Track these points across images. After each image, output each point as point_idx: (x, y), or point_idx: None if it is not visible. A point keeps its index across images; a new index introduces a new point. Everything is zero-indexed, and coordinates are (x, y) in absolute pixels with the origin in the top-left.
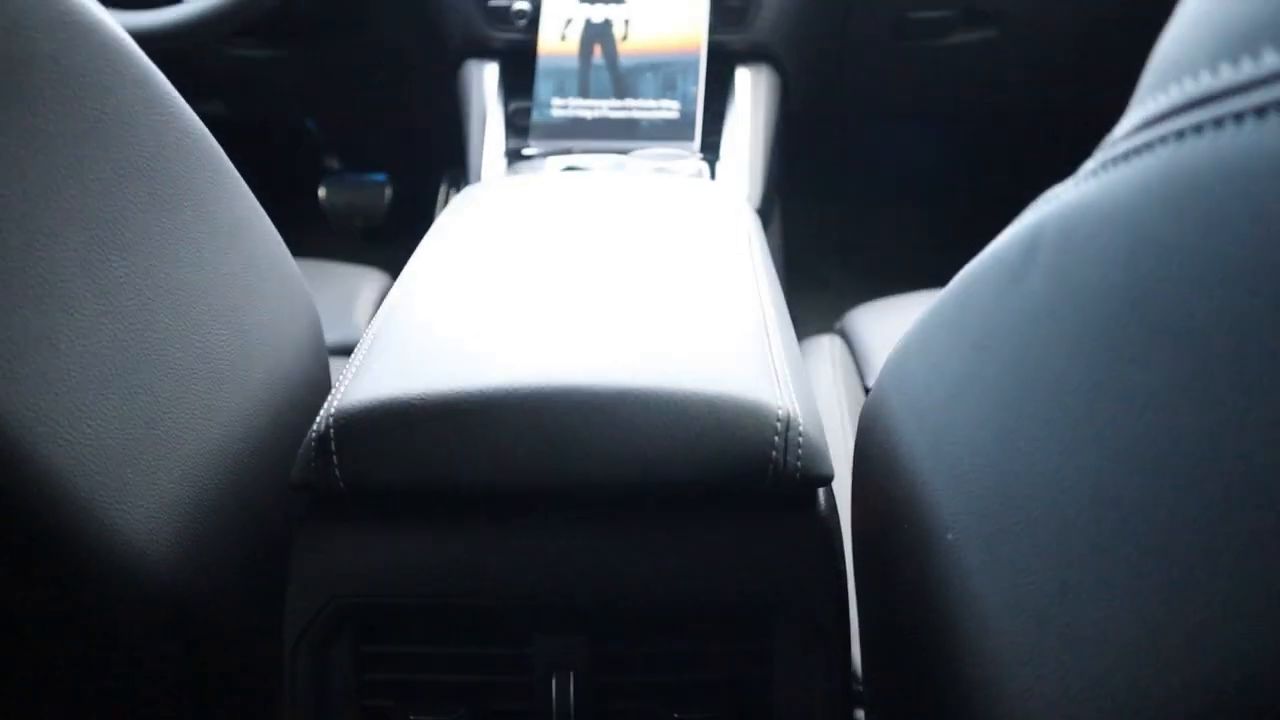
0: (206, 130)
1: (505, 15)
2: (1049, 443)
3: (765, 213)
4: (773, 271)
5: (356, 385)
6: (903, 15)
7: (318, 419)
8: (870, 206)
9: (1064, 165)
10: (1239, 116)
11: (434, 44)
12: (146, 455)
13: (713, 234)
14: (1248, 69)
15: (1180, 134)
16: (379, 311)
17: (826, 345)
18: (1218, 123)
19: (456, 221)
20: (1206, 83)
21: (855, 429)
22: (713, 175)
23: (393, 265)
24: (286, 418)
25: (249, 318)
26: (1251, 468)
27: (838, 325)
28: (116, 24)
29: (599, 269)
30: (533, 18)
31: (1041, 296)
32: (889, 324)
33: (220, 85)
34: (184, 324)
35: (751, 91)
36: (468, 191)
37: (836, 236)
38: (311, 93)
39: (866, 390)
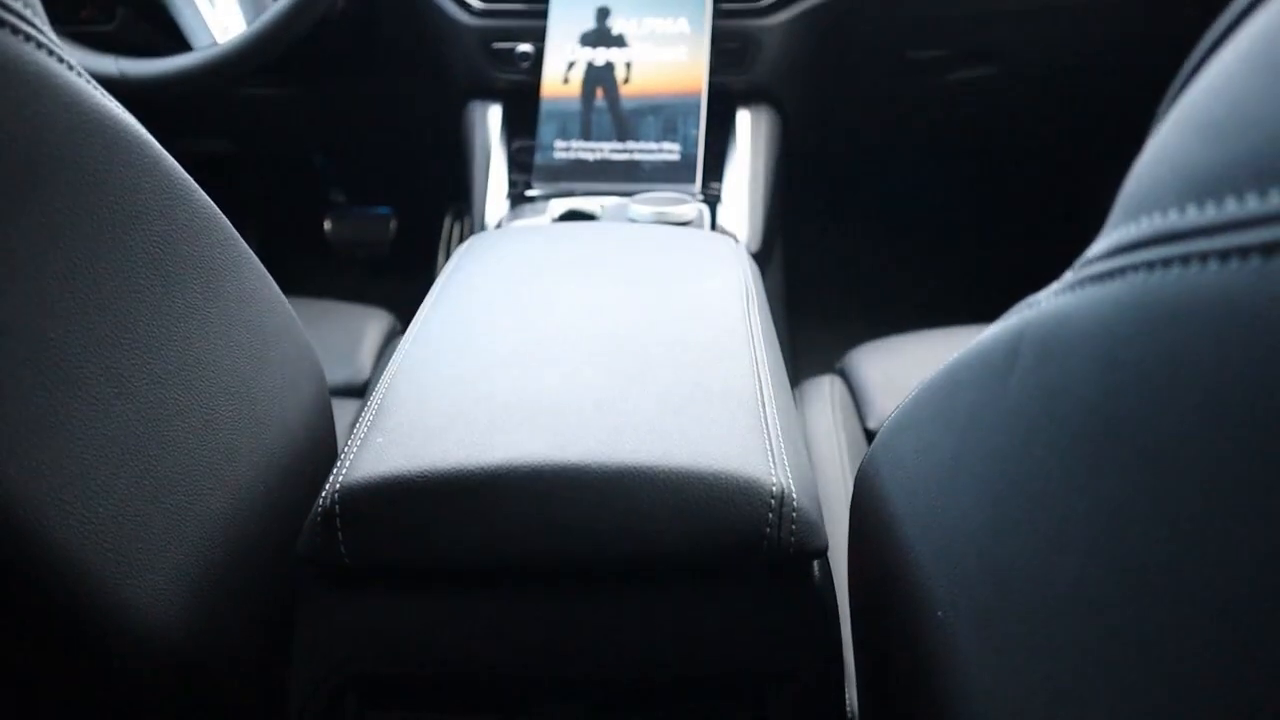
0: (214, 205)
1: (509, 57)
2: (1032, 539)
3: (766, 250)
4: (770, 327)
5: (361, 460)
6: (902, 55)
7: (322, 494)
8: (871, 241)
9: (1063, 200)
10: (1204, 257)
11: (439, 84)
12: (156, 528)
13: (711, 291)
14: (1211, 213)
15: (1151, 265)
16: (383, 376)
17: (826, 386)
18: (1185, 260)
19: (461, 277)
20: (1174, 220)
21: (854, 472)
22: (714, 217)
23: (396, 297)
24: (294, 483)
25: (256, 386)
26: (1216, 586)
27: (838, 365)
28: (129, 115)
29: (598, 332)
30: (536, 60)
31: (1023, 400)
32: (889, 364)
33: (227, 123)
34: (193, 398)
35: (752, 132)
36: (473, 241)
37: (838, 271)
38: (317, 129)
39: (866, 431)
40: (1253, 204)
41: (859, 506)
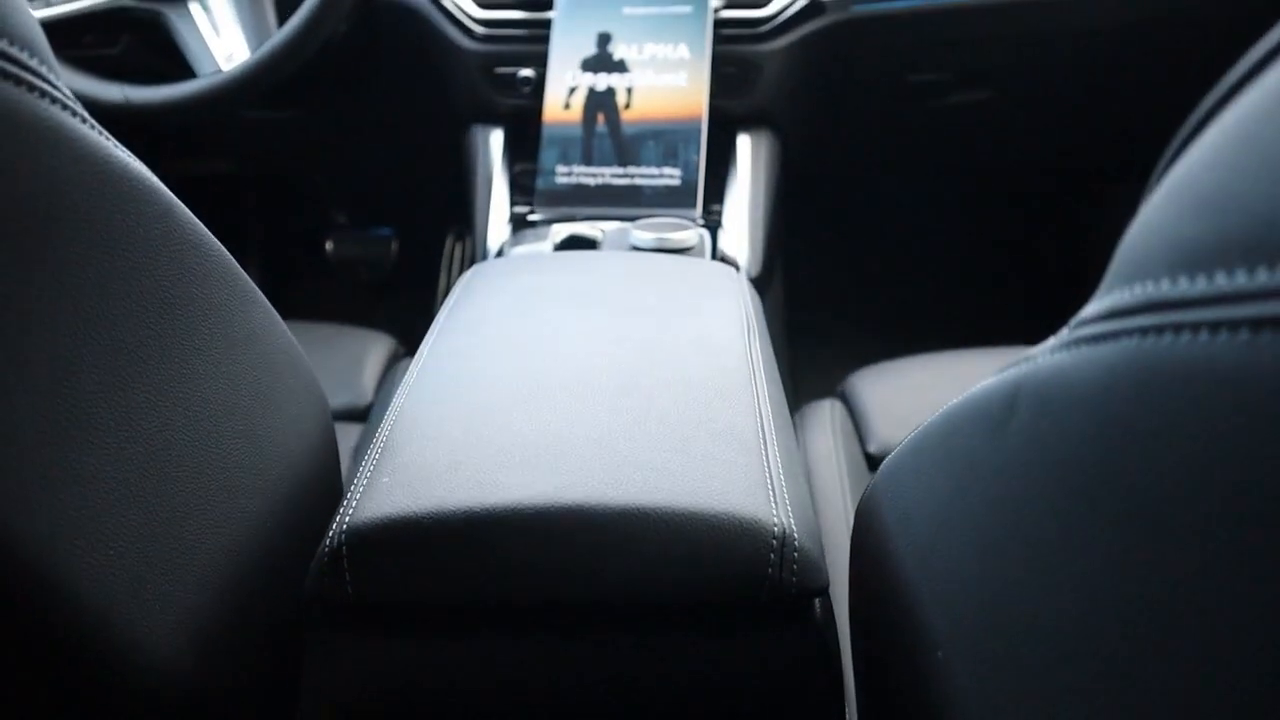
0: (222, 248)
1: (511, 82)
2: (1028, 586)
3: (766, 273)
4: (771, 359)
5: (368, 500)
6: (901, 78)
7: (329, 534)
8: (872, 263)
9: (1062, 223)
10: (1195, 327)
11: (441, 108)
12: (164, 568)
13: (712, 325)
14: (1201, 285)
15: (1144, 331)
16: (387, 413)
17: (827, 410)
18: (1176, 329)
19: (464, 309)
20: (1166, 289)
21: (855, 498)
22: (714, 241)
23: (398, 317)
24: (300, 518)
25: (263, 423)
26: (1207, 637)
27: (839, 389)
28: (141, 165)
29: (601, 368)
30: (537, 85)
31: (1020, 451)
32: (890, 388)
33: (230, 145)
34: (201, 438)
35: (752, 157)
36: (476, 271)
37: (839, 293)
38: (320, 151)
39: (867, 455)
40: (1241, 279)
41: (860, 542)
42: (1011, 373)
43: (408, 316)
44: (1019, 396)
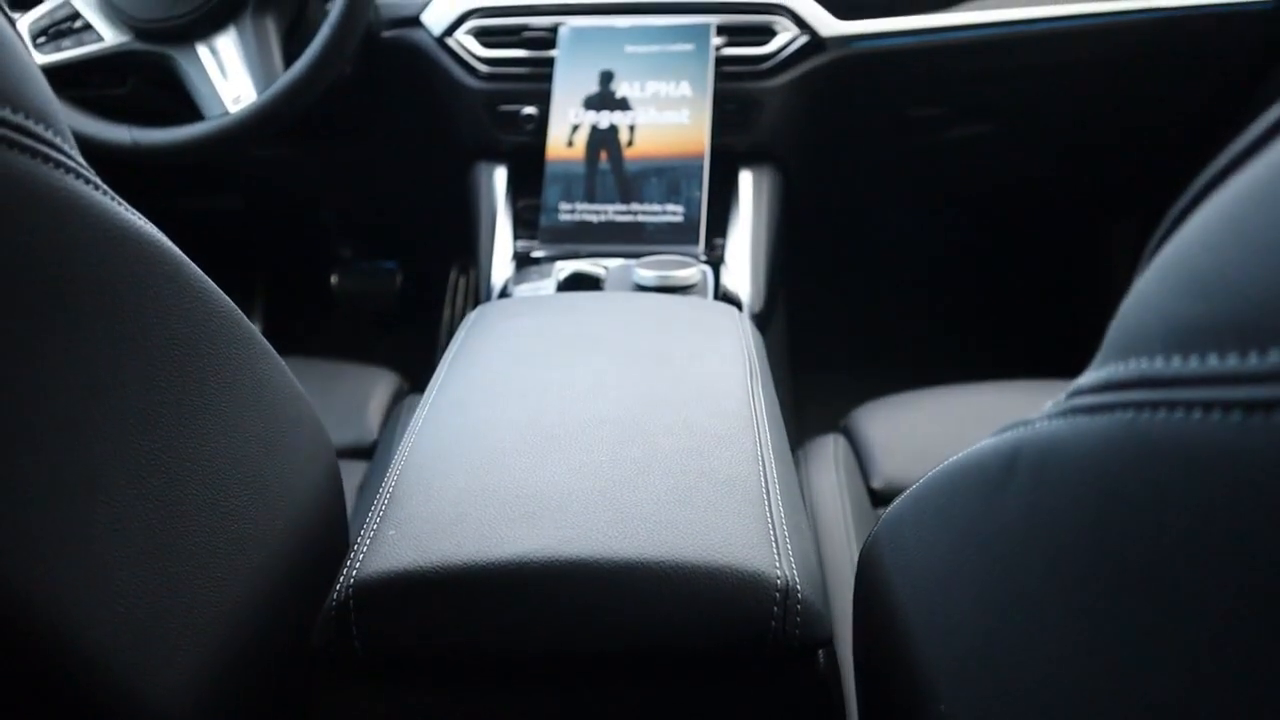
0: (231, 302)
1: (514, 120)
2: (1028, 647)
3: (769, 309)
4: (774, 402)
5: (374, 554)
6: (901, 113)
7: (336, 587)
8: (874, 296)
9: (1063, 254)
10: (1188, 407)
11: (445, 145)
12: (172, 623)
13: (714, 370)
14: (1194, 365)
15: (1139, 406)
16: (393, 463)
17: (830, 446)
18: (1170, 407)
19: (468, 355)
20: (1160, 366)
21: (859, 535)
22: (717, 277)
23: (402, 351)
24: (307, 569)
25: (270, 473)
26: (1204, 704)
27: (842, 424)
28: (152, 227)
29: (604, 417)
30: (540, 122)
31: (1019, 516)
32: (893, 423)
33: (237, 181)
34: (209, 492)
35: (755, 192)
36: (480, 313)
37: (841, 326)
38: (325, 187)
39: (871, 492)
40: (1233, 362)
41: (863, 590)
42: (1010, 435)
43: (412, 350)
44: (1018, 460)
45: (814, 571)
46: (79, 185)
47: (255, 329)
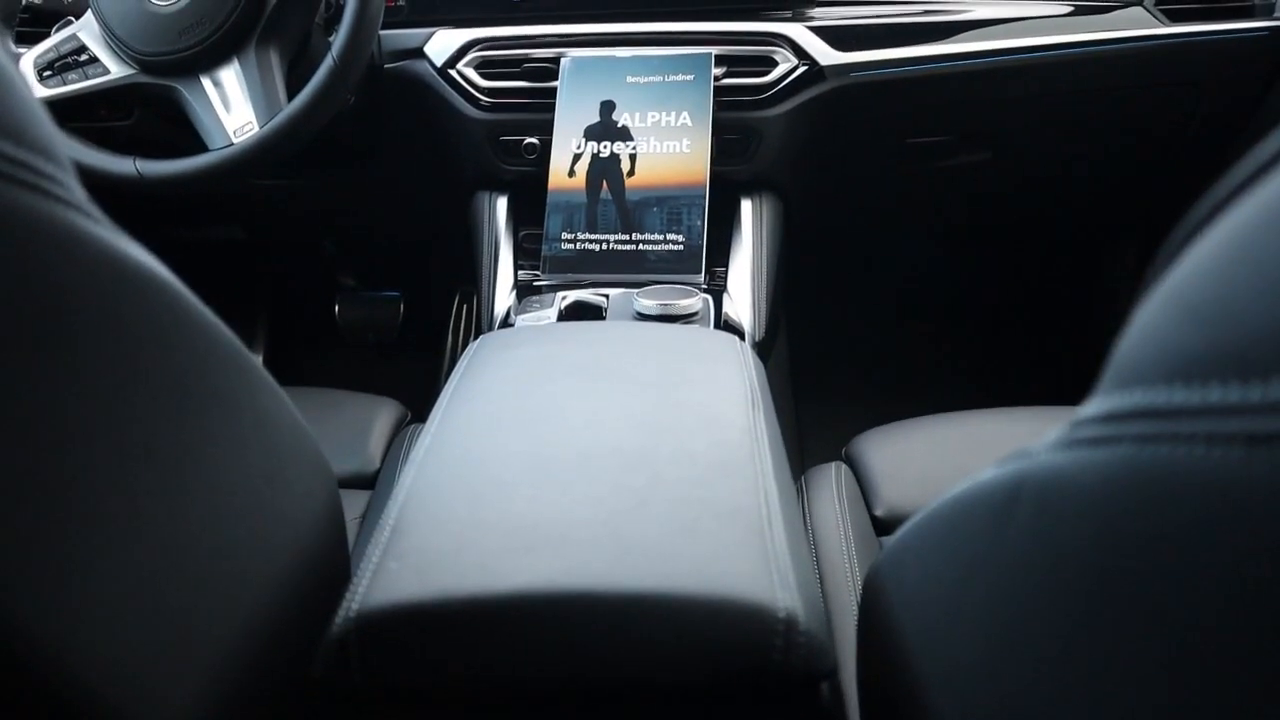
0: (231, 334)
1: (516, 149)
2: (1034, 678)
3: (771, 336)
4: (776, 432)
5: (376, 586)
6: (902, 141)
7: (337, 620)
8: (877, 322)
9: (1064, 280)
10: (1190, 439)
11: (447, 174)
12: (172, 655)
13: (715, 400)
14: (1197, 397)
15: (1141, 439)
16: (394, 494)
17: (832, 474)
18: (1172, 439)
19: (471, 384)
20: (1162, 398)
21: (862, 565)
22: (719, 306)
23: (405, 380)
24: (307, 602)
25: (270, 507)
26: None
27: (844, 451)
28: (153, 260)
29: (606, 447)
30: (542, 152)
31: (1023, 548)
32: (896, 451)
33: (240, 211)
34: (209, 524)
35: (755, 221)
36: (482, 343)
37: (843, 352)
38: (328, 216)
39: (874, 519)
40: (1235, 394)
41: (867, 620)
42: (1013, 467)
43: (415, 379)
44: (1021, 493)
45: (816, 602)
46: (81, 220)
47: (257, 361)
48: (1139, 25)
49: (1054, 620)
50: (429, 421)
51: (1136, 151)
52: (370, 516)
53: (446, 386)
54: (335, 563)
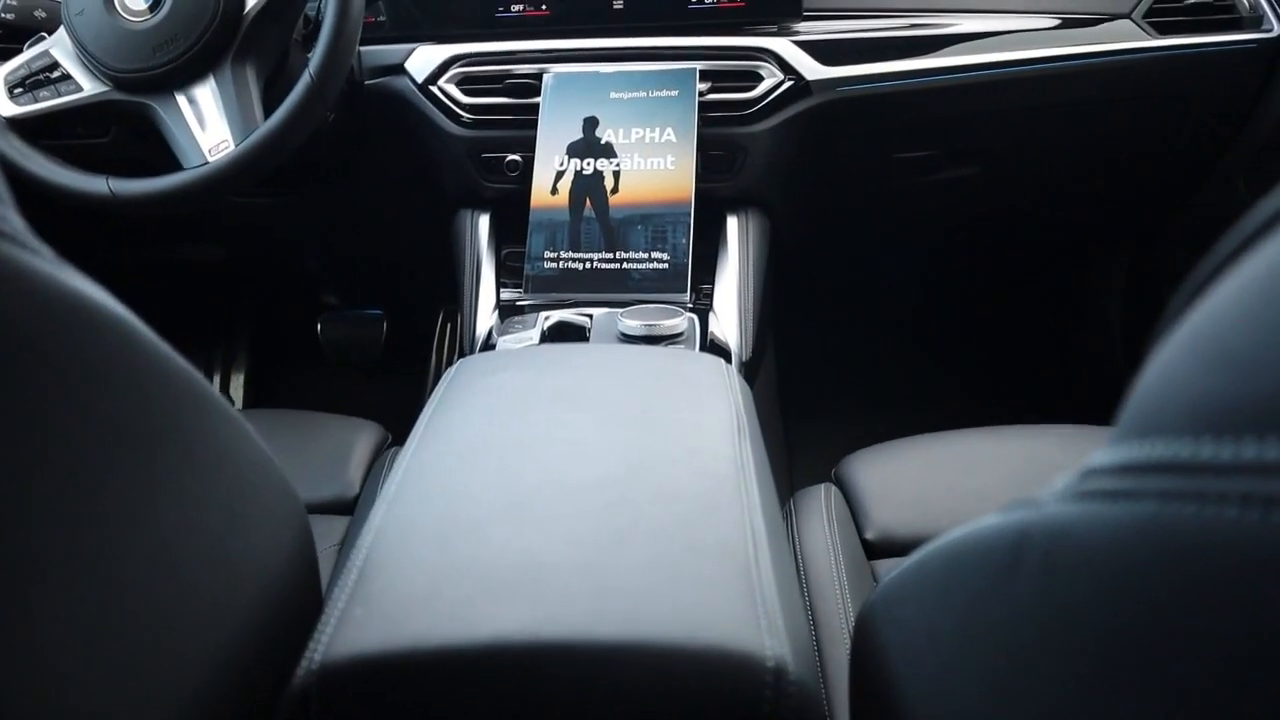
0: (190, 369)
1: (498, 167)
2: None
3: (758, 355)
4: (764, 459)
5: (340, 635)
6: (889, 156)
7: (299, 672)
8: (865, 339)
9: (1053, 296)
10: (1221, 499)
11: (429, 192)
12: (125, 706)
13: (701, 428)
14: (1229, 452)
15: (1164, 496)
16: (363, 532)
17: (822, 497)
18: (1200, 498)
19: (448, 412)
20: (1188, 450)
21: (853, 588)
22: (705, 325)
23: (388, 399)
24: (275, 642)
25: (233, 547)
26: None
27: (834, 472)
28: (101, 294)
29: (586, 481)
30: (524, 169)
31: (1028, 603)
32: (887, 472)
33: (220, 230)
34: (164, 571)
35: (741, 238)
36: (461, 367)
37: (833, 370)
38: (309, 235)
39: (864, 542)
40: (1273, 450)
41: (859, 665)
42: (1017, 516)
43: (398, 399)
44: (1026, 544)
45: (806, 647)
46: (15, 251)
47: (216, 393)
48: (1127, 38)
49: (1058, 677)
50: (402, 453)
51: (1125, 165)
52: (349, 544)
53: (422, 415)
54: (305, 601)
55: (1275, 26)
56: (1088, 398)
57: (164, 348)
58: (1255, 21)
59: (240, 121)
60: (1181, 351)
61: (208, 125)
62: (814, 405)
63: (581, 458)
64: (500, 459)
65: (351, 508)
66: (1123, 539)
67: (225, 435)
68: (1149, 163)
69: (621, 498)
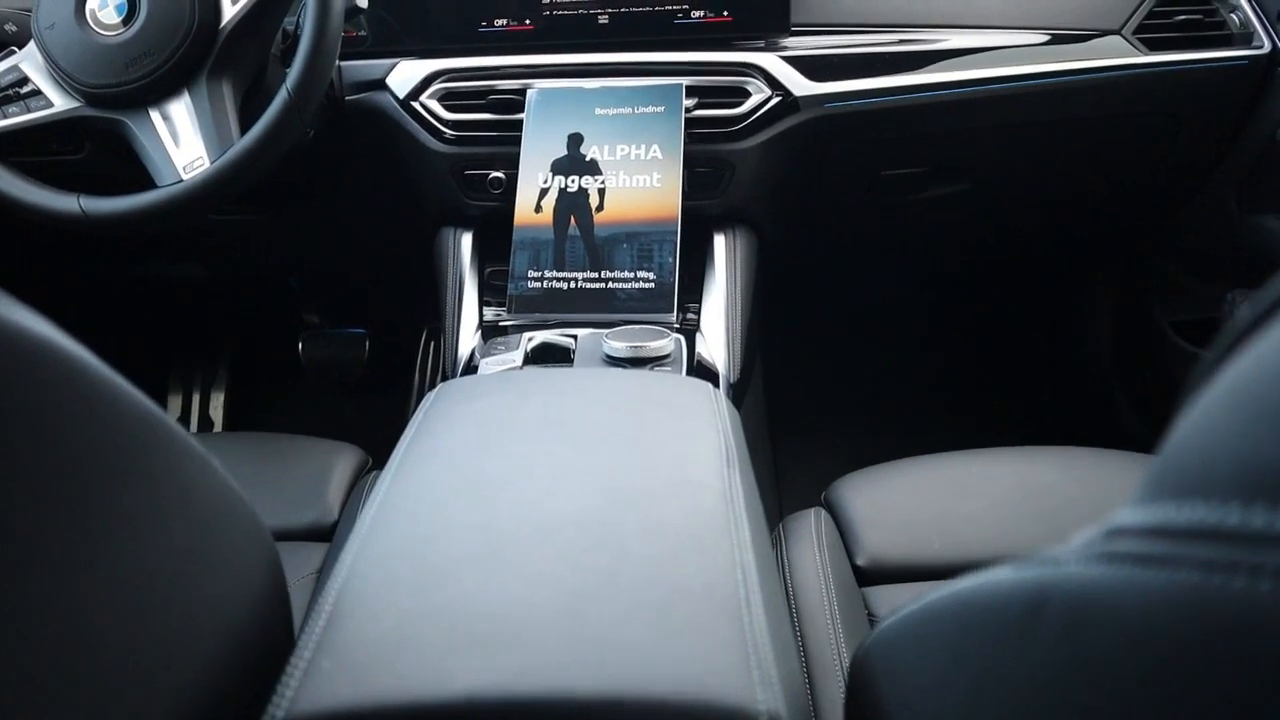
0: (146, 403)
1: (481, 184)
2: None
3: (746, 376)
4: (753, 488)
5: (305, 690)
6: (877, 174)
7: None
8: (854, 358)
9: (1042, 314)
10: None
11: (412, 209)
12: None
13: (688, 459)
14: None
15: (1209, 566)
16: (333, 574)
17: (812, 522)
18: (1253, 572)
19: (427, 442)
20: (1235, 518)
21: (844, 616)
22: (691, 346)
23: (371, 419)
24: (245, 685)
25: (196, 589)
26: None
27: (824, 496)
28: (47, 328)
29: (569, 518)
30: (508, 186)
31: (1050, 670)
32: (877, 497)
33: (199, 248)
34: (120, 619)
35: (729, 257)
36: (441, 392)
37: (821, 389)
38: (290, 252)
39: (854, 567)
40: None
41: (855, 711)
42: (1033, 575)
43: (380, 419)
44: (1045, 605)
45: (800, 697)
46: None
47: (178, 426)
48: (1117, 54)
49: None
50: (377, 486)
51: (1115, 182)
52: (327, 571)
53: (399, 443)
54: (275, 639)
55: (1266, 43)
56: (1076, 417)
57: (119, 382)
58: (1246, 38)
59: (216, 138)
60: (1223, 407)
61: (182, 142)
62: (801, 426)
63: (562, 491)
64: (478, 493)
65: (330, 534)
66: (1159, 609)
67: (187, 470)
68: (1139, 180)
69: (604, 535)
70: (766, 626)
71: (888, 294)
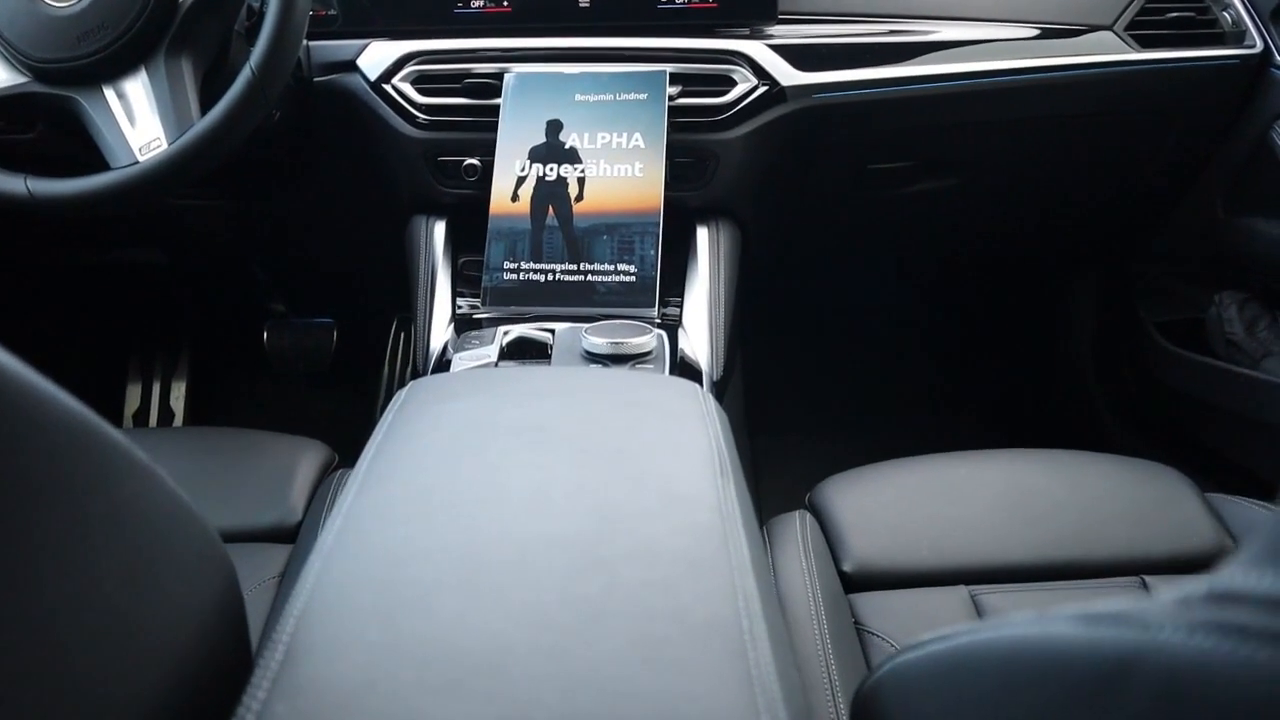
0: (86, 414)
1: (455, 171)
2: None
3: (727, 373)
4: (746, 497)
5: None
6: (864, 167)
7: None
8: (837, 354)
9: (1029, 310)
10: None
11: (383, 196)
12: None
13: (678, 464)
14: None
15: None
16: (291, 600)
17: (796, 525)
18: None
19: (395, 448)
20: None
21: (831, 624)
22: (674, 343)
23: (337, 412)
24: (193, 713)
25: (141, 614)
26: None
27: (808, 498)
28: None
29: (553, 538)
30: (483, 174)
31: None
32: (862, 499)
33: (158, 233)
34: (48, 653)
35: (712, 250)
36: (412, 391)
37: (803, 386)
38: (256, 239)
39: (841, 573)
40: None
41: None
42: (1111, 639)
43: (347, 412)
44: (1131, 675)
45: None
46: None
47: (118, 437)
48: (1108, 50)
49: None
50: (342, 496)
51: (1103, 179)
52: (289, 576)
53: (367, 446)
54: (230, 660)
55: (1258, 42)
56: (1059, 416)
57: (47, 388)
58: (1238, 37)
59: (174, 118)
60: None
61: (138, 122)
62: (782, 424)
63: (545, 508)
64: (453, 510)
65: (294, 535)
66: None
67: (127, 487)
68: (1128, 179)
69: (592, 558)
70: (773, 664)
71: (870, 291)
